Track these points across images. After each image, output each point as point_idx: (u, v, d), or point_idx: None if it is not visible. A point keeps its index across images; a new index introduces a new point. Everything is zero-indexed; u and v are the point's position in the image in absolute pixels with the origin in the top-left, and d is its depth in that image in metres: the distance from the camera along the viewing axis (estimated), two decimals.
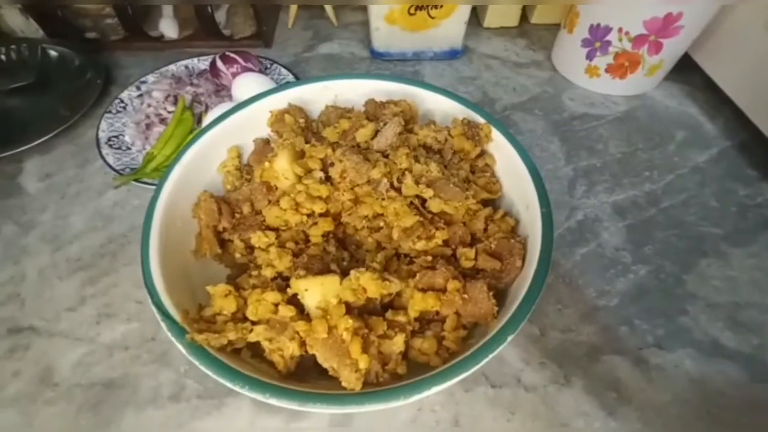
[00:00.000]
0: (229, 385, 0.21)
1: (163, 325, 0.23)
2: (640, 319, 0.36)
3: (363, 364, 0.20)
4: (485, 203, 0.30)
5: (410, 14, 0.52)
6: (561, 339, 0.35)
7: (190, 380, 0.33)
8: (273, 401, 0.20)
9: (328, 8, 0.62)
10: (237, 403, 0.32)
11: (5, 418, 0.31)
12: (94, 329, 0.35)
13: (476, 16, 0.64)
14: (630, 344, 0.35)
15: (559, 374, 0.33)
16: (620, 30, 0.47)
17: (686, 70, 0.53)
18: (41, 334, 0.35)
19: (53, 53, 0.56)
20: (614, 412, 0.32)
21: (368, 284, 0.22)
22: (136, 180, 0.42)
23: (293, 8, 0.62)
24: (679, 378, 0.33)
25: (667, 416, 0.31)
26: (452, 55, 0.58)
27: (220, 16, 0.59)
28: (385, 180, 0.26)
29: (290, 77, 0.53)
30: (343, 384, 0.21)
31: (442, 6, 0.51)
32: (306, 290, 0.23)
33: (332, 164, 0.28)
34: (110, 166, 0.43)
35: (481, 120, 0.32)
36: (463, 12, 0.52)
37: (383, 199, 0.26)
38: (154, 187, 0.41)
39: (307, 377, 0.24)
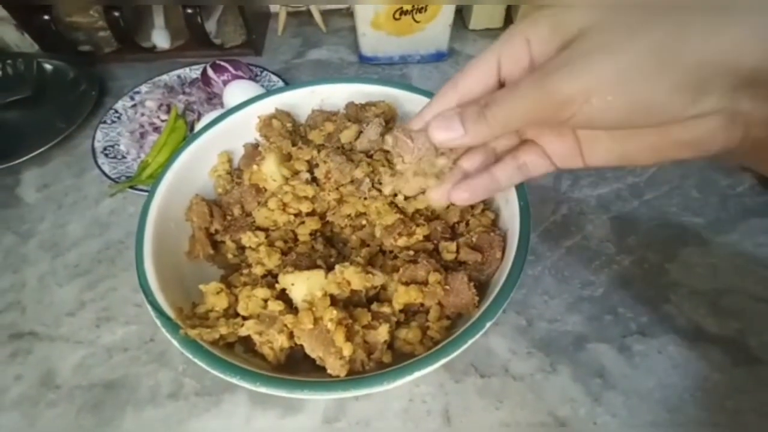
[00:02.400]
0: (221, 375, 0.22)
1: (158, 322, 0.24)
2: (624, 307, 0.37)
3: (347, 352, 0.21)
4: None
5: (395, 19, 0.54)
6: (547, 329, 0.36)
7: (188, 379, 0.34)
8: (263, 389, 0.21)
9: (317, 15, 0.64)
10: (234, 399, 0.33)
11: (8, 420, 0.32)
12: (93, 332, 0.36)
13: (462, 18, 0.65)
14: (614, 332, 0.36)
15: (546, 363, 0.34)
16: None
17: None
18: (42, 338, 0.36)
19: (48, 67, 0.57)
20: (600, 398, 0.33)
21: (352, 277, 0.23)
22: (131, 187, 0.43)
23: (282, 16, 0.64)
24: (663, 363, 0.34)
25: (651, 401, 0.32)
26: (438, 57, 0.59)
27: (211, 26, 0.60)
28: (367, 180, 0.27)
29: (280, 83, 0.55)
30: (329, 371, 0.22)
31: (426, 10, 0.53)
32: (293, 284, 0.24)
33: (317, 165, 0.29)
34: (106, 175, 0.44)
35: None
36: (447, 15, 0.54)
37: (365, 199, 0.28)
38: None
39: (297, 370, 0.25)
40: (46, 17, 0.54)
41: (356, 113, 0.34)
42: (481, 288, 0.27)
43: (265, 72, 0.56)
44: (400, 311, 0.26)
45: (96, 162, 0.46)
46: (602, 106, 0.16)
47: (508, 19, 0.64)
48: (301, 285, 0.23)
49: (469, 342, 0.22)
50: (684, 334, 0.36)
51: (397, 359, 0.24)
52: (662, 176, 0.47)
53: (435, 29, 0.55)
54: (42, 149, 0.48)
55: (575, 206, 0.44)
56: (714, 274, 0.39)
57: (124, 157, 0.47)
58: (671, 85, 0.15)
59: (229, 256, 0.30)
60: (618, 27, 0.16)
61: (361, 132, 0.31)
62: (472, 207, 0.31)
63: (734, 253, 0.40)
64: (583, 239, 0.42)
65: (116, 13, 0.54)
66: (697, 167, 0.47)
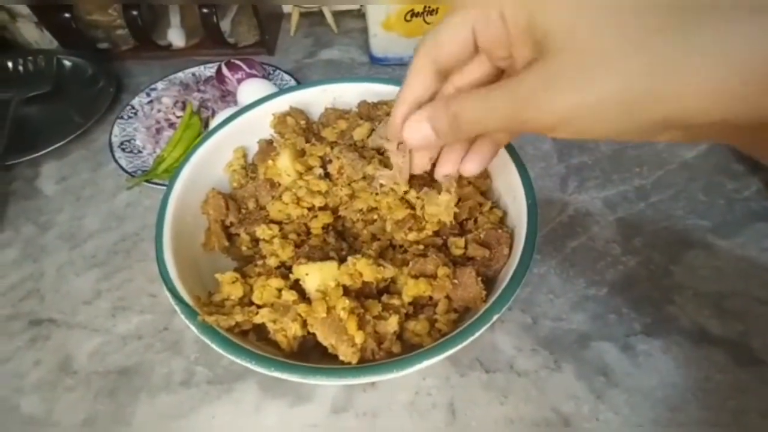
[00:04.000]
0: (237, 360, 0.22)
1: (176, 308, 0.25)
2: (629, 307, 0.38)
3: (358, 339, 0.22)
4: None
5: (406, 21, 0.54)
6: (552, 327, 0.37)
7: (200, 367, 0.35)
8: (277, 374, 0.22)
9: (329, 16, 0.65)
10: (244, 387, 0.34)
11: (28, 403, 0.34)
12: (109, 321, 0.38)
13: None
14: (618, 331, 0.36)
15: (550, 360, 0.35)
16: None
17: None
18: (60, 325, 0.38)
19: (67, 63, 0.59)
20: (602, 396, 0.33)
21: (364, 269, 0.24)
22: (147, 181, 0.44)
23: (295, 16, 0.65)
24: (666, 363, 0.35)
25: (654, 399, 0.33)
26: None
27: (225, 25, 0.62)
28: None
29: (292, 82, 0.56)
30: (341, 358, 0.23)
31: (437, 13, 0.54)
32: (307, 275, 0.25)
33: (330, 161, 0.30)
34: (123, 169, 0.46)
35: None
36: None
37: (377, 194, 0.28)
38: (164, 187, 0.43)
39: (309, 358, 0.26)
40: (66, 15, 0.56)
41: (368, 111, 0.35)
42: (488, 283, 0.28)
43: (277, 71, 0.57)
44: (410, 304, 0.27)
45: (113, 156, 0.47)
46: (573, 131, 0.17)
47: None
48: (315, 275, 0.24)
49: (477, 334, 0.23)
50: (687, 335, 0.36)
51: (405, 350, 0.25)
52: (669, 179, 0.47)
53: None
54: (61, 143, 0.49)
55: (581, 207, 0.45)
56: (718, 277, 0.39)
57: (140, 152, 0.48)
58: (635, 127, 0.16)
59: (243, 248, 0.31)
60: (594, 44, 0.16)
61: (373, 130, 0.32)
62: (480, 204, 0.31)
63: (739, 257, 0.40)
64: (589, 240, 0.42)
65: (134, 12, 0.56)
66: (703, 171, 0.47)
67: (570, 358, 0.35)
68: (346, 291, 0.24)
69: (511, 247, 0.28)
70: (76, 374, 0.35)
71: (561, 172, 0.48)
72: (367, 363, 0.23)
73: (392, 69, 0.61)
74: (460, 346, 0.23)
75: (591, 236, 0.43)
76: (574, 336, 0.36)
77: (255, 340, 0.27)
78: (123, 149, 0.48)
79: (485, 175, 0.34)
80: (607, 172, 0.48)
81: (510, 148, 0.33)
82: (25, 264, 0.42)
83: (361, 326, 0.23)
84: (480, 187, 0.33)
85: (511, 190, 0.32)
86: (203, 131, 0.49)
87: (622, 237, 0.42)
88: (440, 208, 0.27)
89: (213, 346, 0.23)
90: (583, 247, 0.42)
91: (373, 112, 0.34)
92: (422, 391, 0.33)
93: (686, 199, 0.45)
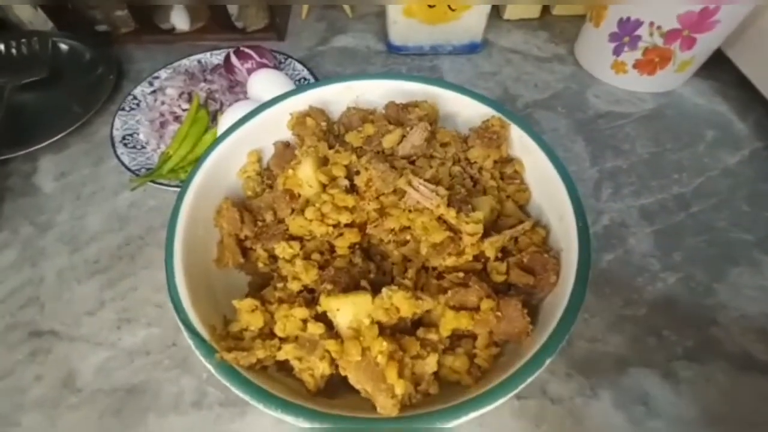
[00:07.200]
0: (261, 407, 0.20)
1: (191, 343, 0.22)
2: (669, 329, 0.35)
3: (399, 390, 0.20)
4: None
5: (429, 6, 0.50)
6: (588, 349, 0.34)
7: (211, 387, 0.32)
8: (306, 424, 0.19)
9: None
10: (259, 411, 0.31)
11: (30, 420, 0.32)
12: (114, 334, 0.35)
13: (496, 7, 0.61)
14: (659, 356, 0.34)
15: (586, 386, 0.33)
16: (651, 24, 0.45)
17: (716, 66, 0.50)
18: (62, 338, 0.35)
19: (64, 47, 0.55)
20: (642, 426, 0.31)
21: (401, 303, 0.22)
22: (152, 181, 0.41)
23: None
24: (710, 392, 0.32)
25: None
26: (472, 48, 0.56)
27: (233, 8, 0.57)
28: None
29: (305, 72, 0.52)
30: (379, 410, 0.20)
31: None
32: (338, 310, 0.22)
33: (357, 172, 0.27)
34: (126, 167, 0.42)
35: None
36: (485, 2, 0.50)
37: (410, 212, 0.25)
38: (170, 188, 0.40)
39: (336, 393, 0.24)
40: None
41: (397, 114, 0.31)
42: (531, 312, 0.25)
43: (289, 59, 0.53)
44: (446, 337, 0.24)
45: (115, 152, 0.44)
46: None
47: (545, 8, 0.61)
48: (347, 310, 0.22)
49: (528, 380, 0.20)
50: (733, 360, 0.34)
51: (442, 389, 0.23)
52: (710, 187, 0.44)
53: (471, 18, 0.52)
54: (59, 136, 0.46)
55: (617, 217, 0.42)
56: (765, 297, 0.37)
57: (143, 147, 0.45)
58: None
59: (260, 264, 0.29)
60: None
61: (404, 136, 0.29)
62: (520, 222, 0.28)
63: None
64: (625, 253, 0.39)
65: None
66: (747, 178, 0.44)
67: (607, 384, 0.33)
68: (381, 328, 0.22)
69: (558, 275, 0.26)
70: (80, 392, 0.33)
71: (594, 176, 0.45)
72: (405, 411, 0.20)
73: (411, 59, 0.56)
74: (510, 395, 0.20)
75: (627, 249, 0.40)
76: (611, 360, 0.34)
77: (275, 371, 0.24)
78: (125, 144, 0.45)
79: (524, 188, 0.31)
80: (644, 178, 0.44)
81: (552, 155, 0.30)
82: (24, 268, 0.39)
83: (401, 373, 0.20)
84: (518, 200, 0.30)
85: (554, 207, 0.29)
86: (211, 125, 0.46)
87: (661, 251, 0.39)
88: (484, 211, 0.25)
89: (233, 389, 0.21)
90: (619, 261, 0.39)
91: (403, 116, 0.31)
92: None
93: (729, 210, 0.42)
